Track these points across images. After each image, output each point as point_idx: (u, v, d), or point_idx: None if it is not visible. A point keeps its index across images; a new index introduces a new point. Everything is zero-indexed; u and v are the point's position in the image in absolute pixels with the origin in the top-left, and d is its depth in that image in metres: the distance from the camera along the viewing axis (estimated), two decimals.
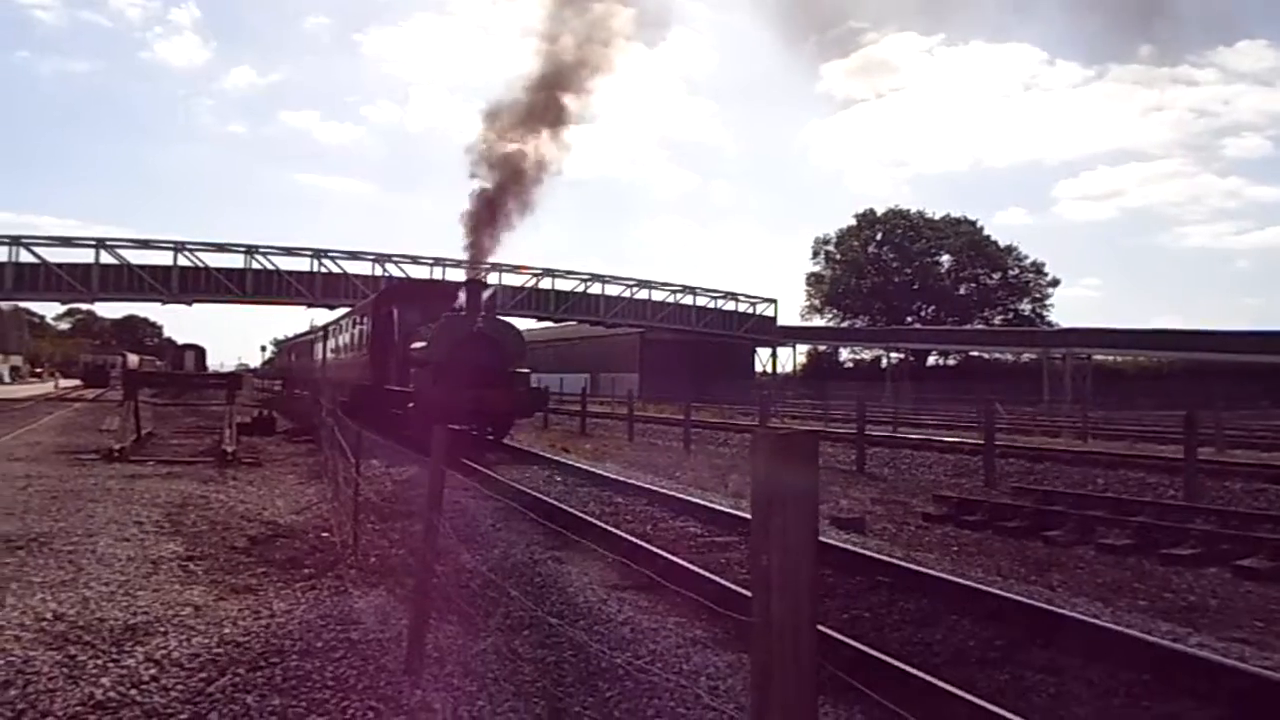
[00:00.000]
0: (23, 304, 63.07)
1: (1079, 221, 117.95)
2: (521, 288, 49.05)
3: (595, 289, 51.63)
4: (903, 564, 6.80)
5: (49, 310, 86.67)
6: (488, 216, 17.26)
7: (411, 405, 15.55)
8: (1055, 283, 73.77)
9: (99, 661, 4.24)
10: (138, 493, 9.92)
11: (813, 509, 1.44)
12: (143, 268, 42.06)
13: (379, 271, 45.34)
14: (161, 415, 23.02)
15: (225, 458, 13.31)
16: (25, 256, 40.50)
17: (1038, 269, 73.51)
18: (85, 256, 41.53)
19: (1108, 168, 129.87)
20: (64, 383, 59.25)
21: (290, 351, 49.38)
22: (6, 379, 63.58)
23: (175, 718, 3.60)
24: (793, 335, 63.84)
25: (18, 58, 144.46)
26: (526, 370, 17.07)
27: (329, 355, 27.70)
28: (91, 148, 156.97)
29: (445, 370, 15.08)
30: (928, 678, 4.04)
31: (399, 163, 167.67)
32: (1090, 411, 27.62)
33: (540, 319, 52.60)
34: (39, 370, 76.20)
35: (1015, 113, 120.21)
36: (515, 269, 47.77)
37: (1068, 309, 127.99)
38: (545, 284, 50.07)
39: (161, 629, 4.82)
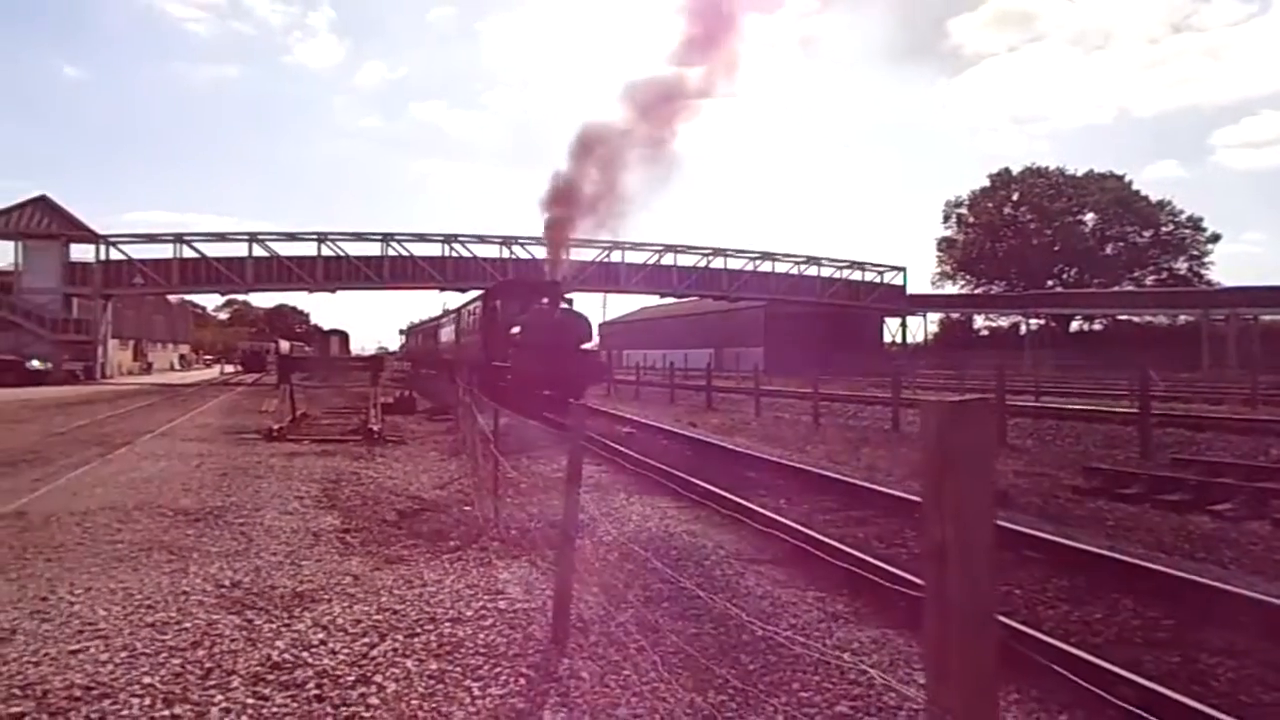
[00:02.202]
0: (187, 296, 68.30)
1: (1240, 171, 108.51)
2: (644, 265, 49.28)
3: (717, 263, 51.28)
4: (1054, 539, 6.48)
5: (209, 302, 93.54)
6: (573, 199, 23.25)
7: (510, 376, 20.27)
8: (1215, 238, 68.02)
9: (273, 626, 4.57)
10: (296, 470, 10.61)
11: (989, 477, 1.37)
12: (290, 259, 44.71)
13: (505, 253, 46.49)
14: (312, 397, 24.49)
15: (372, 436, 14.04)
16: (187, 252, 43.84)
17: (1195, 224, 67.94)
18: (239, 250, 44.57)
19: (1273, 111, 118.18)
20: (226, 368, 64.01)
21: (416, 335, 51.83)
22: (178, 366, 69.22)
23: (344, 679, 3.83)
24: (923, 303, 61.66)
25: (175, 69, 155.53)
26: (594, 348, 22.88)
27: (451, 339, 32.61)
28: (241, 148, 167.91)
29: (534, 349, 19.71)
30: (1091, 658, 3.83)
31: (522, 147, 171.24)
32: (1259, 376, 25.44)
33: (663, 295, 52.75)
34: (208, 357, 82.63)
35: (1164, 57, 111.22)
36: (636, 246, 47.98)
37: (1230, 266, 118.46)
38: (667, 260, 50.00)
39: (326, 596, 5.13)
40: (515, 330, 21.24)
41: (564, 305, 22.37)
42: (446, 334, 34.61)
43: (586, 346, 21.55)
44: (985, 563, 1.34)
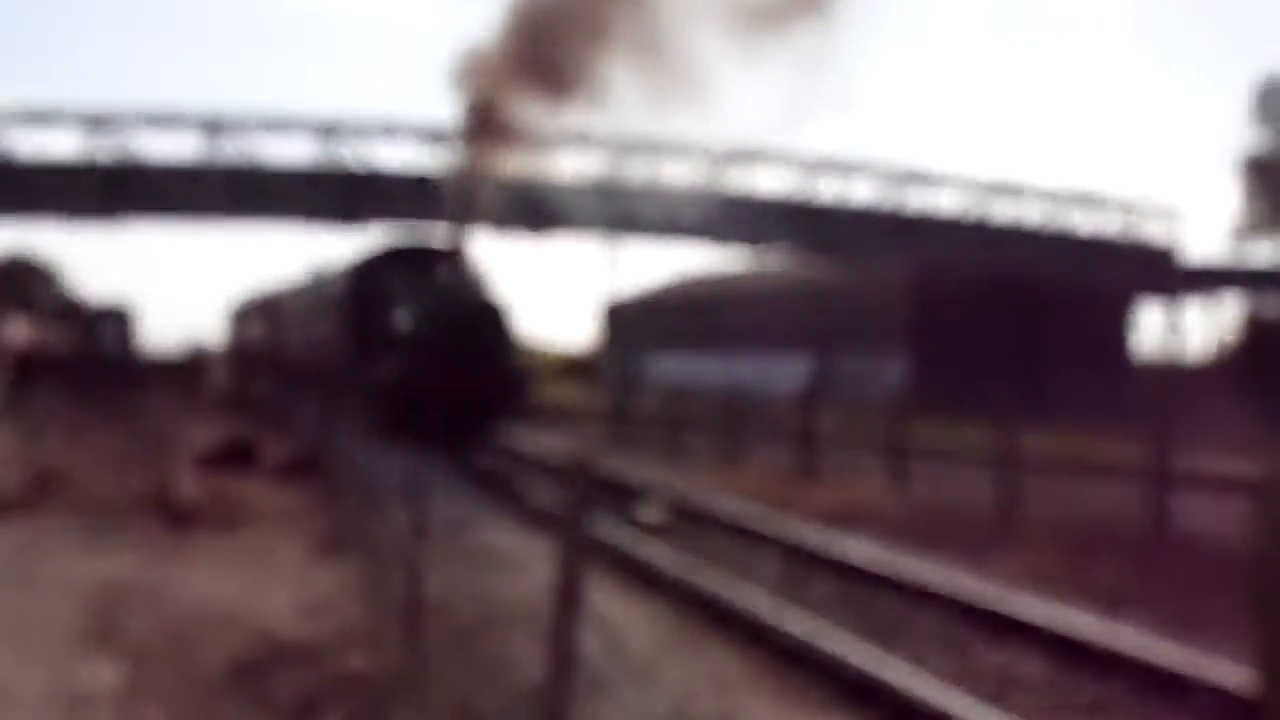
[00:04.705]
0: None
1: None
2: (674, 195, 46.36)
3: (823, 190, 50.11)
4: None
5: None
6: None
7: (391, 387, 23.25)
8: None
9: None
10: (44, 574, 10.64)
11: None
12: (41, 166, 44.54)
13: (426, 157, 44.80)
14: (72, 427, 24.59)
15: (181, 511, 14.04)
16: None
17: None
18: None
19: None
20: None
21: (251, 319, 52.12)
22: None
23: None
24: (1212, 281, 61.32)
25: None
26: (514, 349, 26.18)
27: (306, 329, 35.39)
28: None
29: (427, 348, 22.85)
30: None
31: None
32: None
33: (720, 246, 51.73)
34: None
35: None
36: (667, 150, 45.54)
37: None
38: (728, 179, 47.98)
39: None
40: (401, 320, 24.62)
41: (472, 277, 25.99)
42: (299, 318, 36.49)
43: (506, 349, 25.39)
44: None
